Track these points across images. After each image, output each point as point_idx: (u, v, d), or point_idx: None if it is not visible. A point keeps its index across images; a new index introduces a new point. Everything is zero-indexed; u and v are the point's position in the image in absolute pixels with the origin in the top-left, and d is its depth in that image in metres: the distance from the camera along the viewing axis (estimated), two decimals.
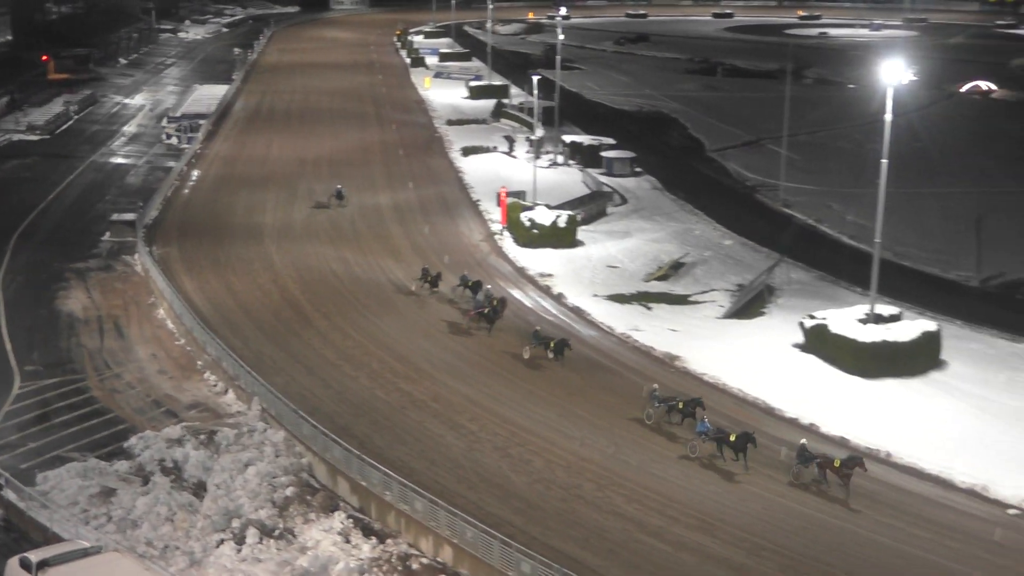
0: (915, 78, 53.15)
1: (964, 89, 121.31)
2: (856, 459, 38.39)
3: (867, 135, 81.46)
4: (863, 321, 49.35)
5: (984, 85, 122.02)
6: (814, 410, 44.35)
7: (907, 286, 57.87)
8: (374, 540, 36.51)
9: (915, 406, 45.21)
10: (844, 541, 35.49)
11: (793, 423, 43.69)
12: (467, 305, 55.30)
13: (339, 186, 76.16)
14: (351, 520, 37.64)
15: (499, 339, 51.52)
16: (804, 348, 50.36)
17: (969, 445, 41.63)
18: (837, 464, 38.05)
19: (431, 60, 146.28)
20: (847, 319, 49.76)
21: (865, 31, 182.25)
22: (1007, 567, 33.99)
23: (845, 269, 61.31)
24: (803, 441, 39.65)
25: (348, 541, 36.34)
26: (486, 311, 53.04)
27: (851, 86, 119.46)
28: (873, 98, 53.62)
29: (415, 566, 35.07)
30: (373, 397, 45.96)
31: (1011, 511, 37.14)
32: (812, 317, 50.93)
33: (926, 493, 38.15)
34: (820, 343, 49.64)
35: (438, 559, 35.55)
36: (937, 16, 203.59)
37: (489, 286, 56.08)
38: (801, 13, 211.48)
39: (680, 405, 42.74)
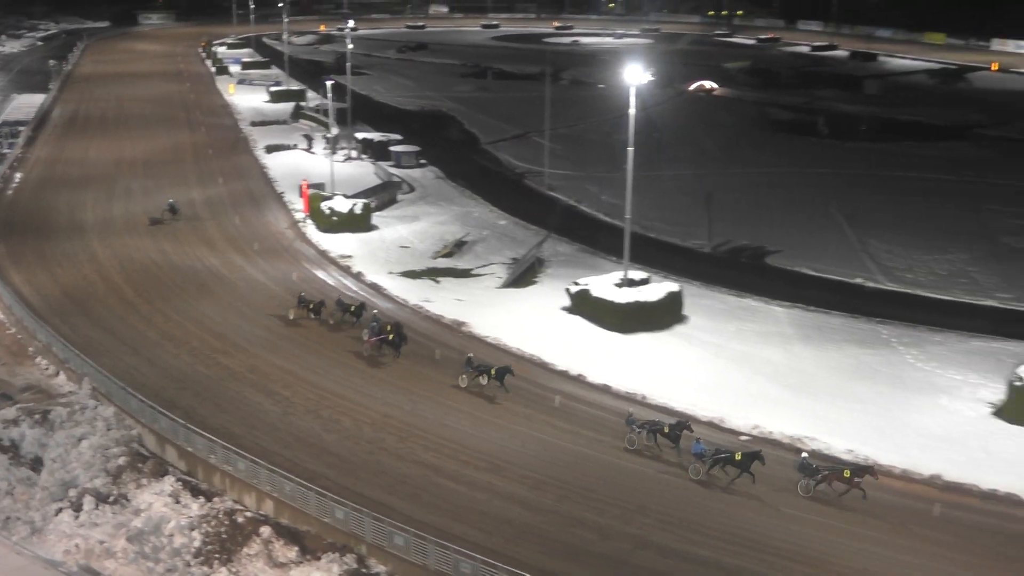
0: (652, 79, 54.53)
1: (691, 88, 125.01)
2: (865, 468, 34.80)
3: (615, 127, 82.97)
4: (618, 285, 50.40)
5: (707, 84, 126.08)
6: (581, 363, 45.13)
7: (654, 254, 59.25)
8: (202, 499, 35.50)
9: (664, 355, 46.53)
10: (611, 473, 36.32)
11: (564, 374, 44.36)
12: (355, 331, 48.06)
13: (171, 200, 69.32)
14: (180, 483, 36.51)
15: (304, 311, 50.51)
16: (570, 310, 51.15)
17: (708, 385, 43.15)
18: (847, 475, 34.49)
19: (234, 68, 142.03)
20: (605, 284, 50.78)
21: (610, 39, 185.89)
22: (739, 482, 35.42)
23: (602, 242, 62.49)
24: (804, 455, 35.69)
25: (178, 502, 35.25)
26: (390, 337, 45.55)
27: (600, 86, 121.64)
28: (619, 96, 54.62)
29: (240, 519, 34.19)
30: (195, 372, 44.54)
31: (743, 437, 38.67)
32: (576, 284, 51.77)
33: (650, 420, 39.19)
34: (584, 305, 50.51)
35: (261, 512, 34.84)
36: (668, 26, 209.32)
37: (376, 311, 49.16)
38: (556, 24, 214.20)
39: (665, 429, 37.39)
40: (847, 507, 34.04)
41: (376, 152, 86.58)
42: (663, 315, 49.73)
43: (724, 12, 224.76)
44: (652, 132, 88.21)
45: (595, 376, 44.05)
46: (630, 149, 49.63)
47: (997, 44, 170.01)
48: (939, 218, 69.67)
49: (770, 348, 47.47)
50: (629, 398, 41.71)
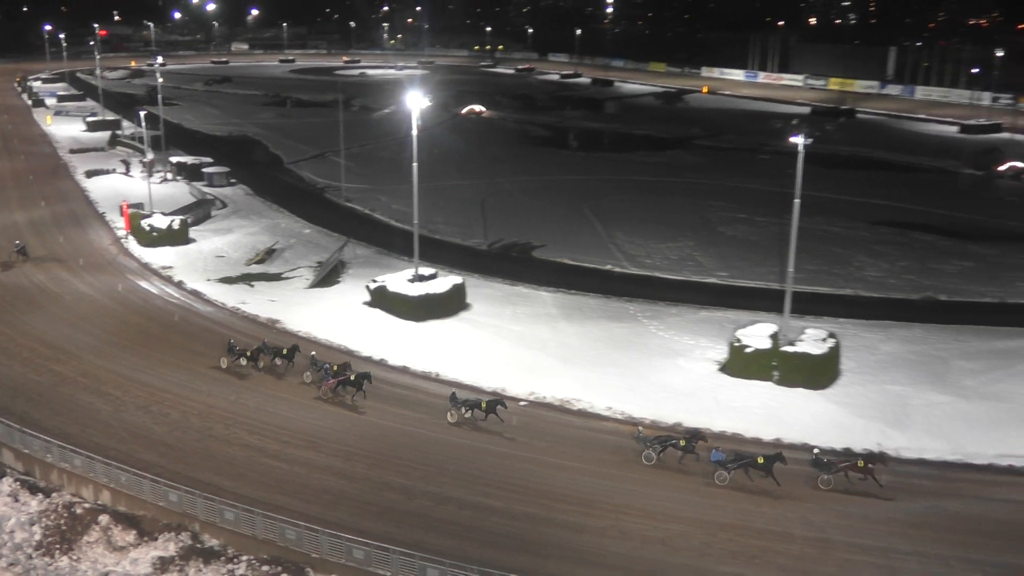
0: (431, 103, 54.32)
1: (464, 111, 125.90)
2: (877, 456, 33.44)
3: (401, 146, 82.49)
4: (411, 281, 50.12)
5: (477, 108, 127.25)
6: (383, 349, 44.67)
7: (440, 253, 59.25)
8: (40, 496, 33.12)
9: (453, 338, 46.59)
10: (413, 441, 36.09)
11: (368, 359, 43.79)
12: (305, 377, 40.91)
13: (18, 242, 59.67)
14: (18, 483, 33.89)
15: (131, 318, 47.86)
16: (371, 304, 50.50)
17: (491, 360, 43.49)
18: (861, 465, 32.87)
19: (50, 101, 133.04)
20: (399, 280, 50.40)
21: (393, 71, 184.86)
22: (523, 443, 35.91)
23: (395, 244, 62.03)
24: (816, 451, 34.03)
25: (17, 500, 32.80)
26: (351, 377, 39.09)
27: (386, 111, 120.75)
28: (402, 119, 54.32)
29: (79, 511, 32.09)
30: (28, 380, 41.33)
31: (522, 403, 39.21)
32: (375, 281, 51.18)
33: (469, 398, 39.39)
34: (382, 300, 49.99)
35: (99, 502, 32.77)
36: (441, 59, 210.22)
37: (313, 352, 42.17)
38: (345, 59, 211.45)
39: (681, 443, 34.24)
40: (613, 457, 35.02)
41: (190, 174, 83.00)
42: (450, 304, 49.80)
43: (487, 47, 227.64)
44: (433, 149, 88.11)
45: (395, 359, 43.70)
46: (415, 164, 49.47)
47: (706, 71, 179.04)
48: (669, 213, 72.61)
49: (540, 327, 48.30)
50: (426, 376, 41.60)
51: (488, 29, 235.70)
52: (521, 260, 61.47)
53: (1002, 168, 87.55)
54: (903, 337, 47.20)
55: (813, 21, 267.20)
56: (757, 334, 42.36)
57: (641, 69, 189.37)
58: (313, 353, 42.16)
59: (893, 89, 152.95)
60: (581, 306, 51.87)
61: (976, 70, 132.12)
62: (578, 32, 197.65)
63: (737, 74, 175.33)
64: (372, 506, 31.53)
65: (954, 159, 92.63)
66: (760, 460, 32.78)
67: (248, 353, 42.31)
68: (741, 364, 41.79)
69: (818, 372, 40.90)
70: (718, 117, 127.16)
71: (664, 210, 73.61)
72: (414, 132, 49.16)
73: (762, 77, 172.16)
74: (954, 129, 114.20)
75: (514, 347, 45.28)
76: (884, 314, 50.49)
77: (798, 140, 41.05)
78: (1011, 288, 55.18)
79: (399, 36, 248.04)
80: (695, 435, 34.70)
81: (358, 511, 31.14)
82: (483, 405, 37.34)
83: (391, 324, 48.25)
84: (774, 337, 41.97)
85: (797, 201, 41.59)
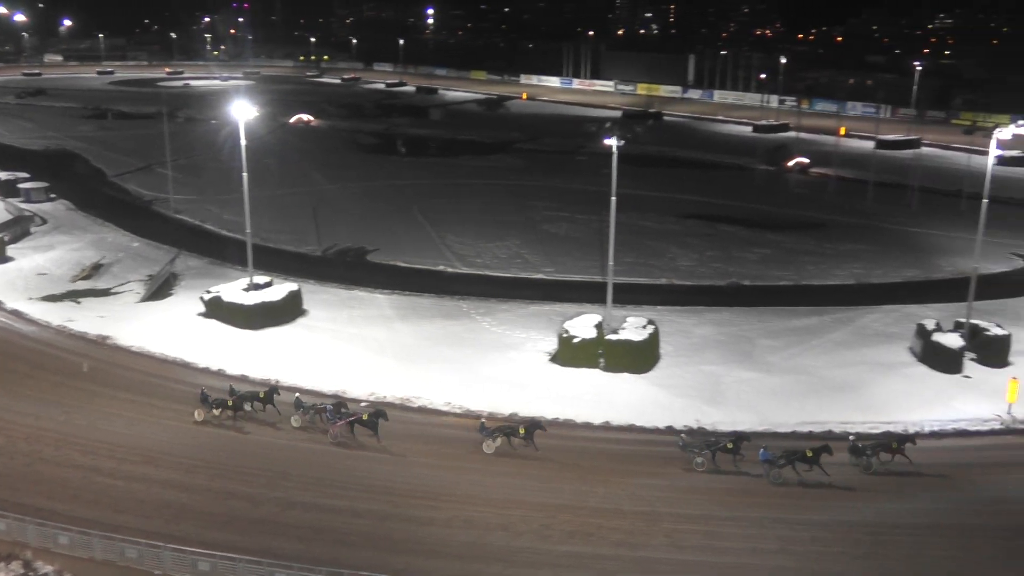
0: (258, 113, 52.71)
1: (292, 120, 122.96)
2: (908, 436, 33.75)
3: (230, 156, 79.69)
4: (246, 289, 48.56)
5: (305, 117, 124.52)
6: (220, 359, 43.02)
7: (274, 261, 57.63)
8: None
9: (291, 344, 45.43)
10: (254, 448, 34.96)
11: (206, 371, 42.10)
12: (294, 421, 36.58)
13: None
14: None
15: None
16: (206, 315, 48.52)
17: (330, 364, 42.67)
18: (894, 446, 33.00)
19: None
20: (234, 290, 48.71)
21: (217, 81, 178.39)
22: (365, 442, 35.35)
23: (229, 254, 59.77)
24: (851, 437, 34.10)
25: None
26: (364, 417, 35.21)
27: (213, 121, 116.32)
28: (230, 129, 52.47)
29: None
30: None
31: (362, 404, 38.62)
32: (209, 292, 49.22)
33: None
34: (217, 310, 48.14)
35: None
36: (267, 69, 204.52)
37: (298, 394, 37.95)
38: (168, 70, 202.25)
39: (729, 445, 33.20)
40: (455, 450, 34.97)
41: (4, 190, 77.35)
42: (287, 311, 48.49)
43: (312, 57, 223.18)
44: (263, 158, 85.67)
45: (233, 368, 42.16)
46: (244, 174, 47.87)
47: (524, 79, 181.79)
48: (496, 214, 73.26)
49: (377, 328, 47.75)
50: (265, 383, 40.30)
51: (312, 40, 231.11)
52: (356, 264, 60.58)
53: (790, 164, 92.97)
54: (713, 320, 49.37)
55: (621, 32, 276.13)
56: (583, 325, 43.31)
57: (463, 77, 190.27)
58: (298, 395, 37.98)
59: (694, 93, 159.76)
60: (416, 306, 51.62)
61: (764, 75, 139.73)
62: (401, 42, 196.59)
63: (553, 81, 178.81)
64: (216, 517, 30.27)
65: (749, 156, 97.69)
66: (808, 453, 32.21)
67: (230, 402, 36.73)
68: (570, 354, 42.61)
69: (640, 357, 42.23)
70: (537, 122, 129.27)
71: (491, 211, 74.21)
72: (242, 142, 47.58)
73: (576, 83, 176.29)
74: (748, 129, 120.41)
75: (352, 349, 44.59)
76: (696, 300, 52.69)
77: (611, 142, 42.19)
78: (803, 272, 58.67)
79: (222, 47, 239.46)
80: (740, 437, 33.45)
81: (202, 523, 29.83)
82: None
83: (228, 334, 46.52)
84: (599, 327, 43.03)
85: (613, 199, 42.78)
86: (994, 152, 44.30)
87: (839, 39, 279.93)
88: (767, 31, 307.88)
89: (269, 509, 30.78)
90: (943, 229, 68.28)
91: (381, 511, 30.69)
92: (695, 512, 30.88)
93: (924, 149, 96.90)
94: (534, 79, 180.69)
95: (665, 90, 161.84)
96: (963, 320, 43.93)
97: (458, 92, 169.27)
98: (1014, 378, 38.85)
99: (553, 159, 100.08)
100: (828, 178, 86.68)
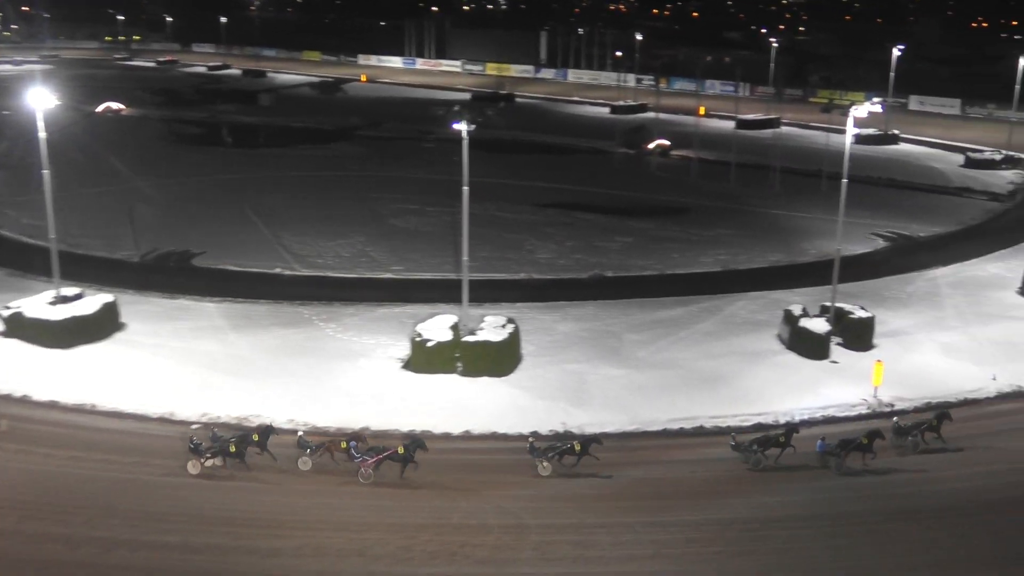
0: (59, 102, 50.23)
1: (100, 109, 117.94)
2: (944, 413, 35.62)
3: (28, 151, 75.75)
4: (52, 303, 46.26)
5: (115, 105, 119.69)
6: (24, 384, 40.81)
7: (84, 270, 55.15)
8: None
9: (108, 362, 43.58)
10: (71, 483, 33.22)
11: (7, 398, 39.87)
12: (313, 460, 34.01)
13: None
14: None
15: None
16: (6, 334, 45.91)
17: (155, 383, 41.20)
18: (935, 423, 34.95)
19: None
20: (39, 304, 46.29)
21: (9, 66, 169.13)
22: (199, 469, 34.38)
23: (31, 264, 56.58)
24: (895, 419, 35.83)
25: None
26: (400, 451, 33.15)
27: (5, 112, 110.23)
28: (26, 120, 49.74)
29: None
30: None
31: (194, 426, 37.49)
32: (8, 308, 46.57)
33: (129, 428, 37.12)
34: (19, 328, 45.59)
35: None
36: (68, 52, 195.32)
37: (301, 432, 35.36)
38: None
39: (781, 439, 33.69)
40: (302, 473, 34.37)
41: None
42: (101, 326, 46.43)
43: (121, 37, 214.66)
44: (68, 153, 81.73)
45: (41, 394, 40.08)
46: (45, 172, 45.54)
47: (363, 59, 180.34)
48: (337, 208, 72.43)
49: (207, 341, 46.41)
50: (79, 409, 38.53)
51: (120, 18, 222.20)
52: (180, 270, 58.70)
53: (651, 146, 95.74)
54: (577, 316, 50.34)
55: (467, 8, 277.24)
56: (437, 327, 43.34)
57: (295, 58, 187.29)
58: (300, 433, 35.51)
59: (547, 73, 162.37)
60: (251, 314, 50.44)
61: (620, 53, 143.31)
62: (223, 20, 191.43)
63: (395, 61, 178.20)
64: (28, 564, 28.64)
65: (608, 139, 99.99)
66: (864, 441, 33.40)
67: (232, 448, 33.54)
68: (424, 359, 42.56)
69: (500, 359, 42.60)
70: (379, 106, 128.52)
71: (332, 206, 73.31)
72: (41, 135, 45.26)
73: (420, 64, 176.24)
74: (605, 110, 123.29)
75: (180, 366, 43.19)
76: (558, 295, 53.58)
77: (461, 127, 42.36)
78: (667, 260, 60.56)
79: (13, 27, 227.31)
80: (791, 428, 34.37)
81: (12, 571, 28.25)
82: (781, 439, 33.85)
83: (32, 354, 44.17)
84: (455, 328, 43.16)
85: (466, 188, 42.98)
86: (851, 131, 46.84)
87: (695, 14, 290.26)
88: (621, 6, 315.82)
89: (89, 551, 29.40)
90: (805, 210, 71.79)
91: (220, 544, 29.81)
92: (565, 521, 31.37)
93: (783, 128, 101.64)
94: (374, 59, 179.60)
95: (516, 70, 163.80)
96: (828, 304, 46.31)
97: (290, 75, 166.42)
98: (879, 361, 41.30)
99: (398, 146, 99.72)
100: (690, 160, 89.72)
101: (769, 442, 34.33)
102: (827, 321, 45.39)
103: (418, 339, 42.91)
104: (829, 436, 34.89)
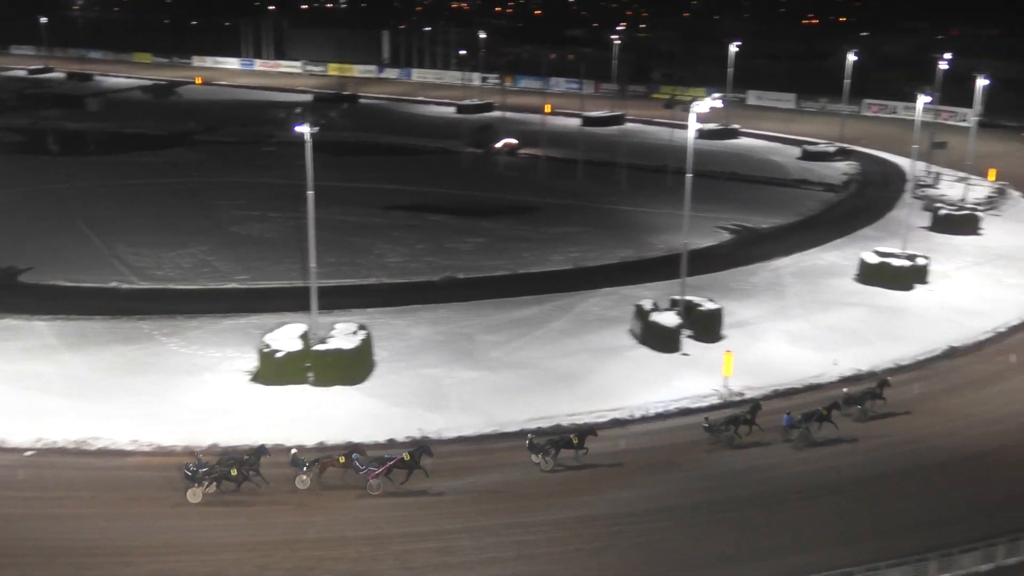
0: None
1: None
2: (884, 381, 40.01)
3: None
4: None
5: None
6: None
7: None
8: None
9: None
10: None
11: None
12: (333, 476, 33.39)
13: None
14: None
15: None
16: None
17: None
18: (878, 390, 39.44)
19: None
20: None
21: None
22: (34, 498, 32.81)
23: None
24: (844, 390, 39.99)
25: None
26: (406, 458, 33.21)
27: None
28: None
29: None
30: None
31: (28, 453, 35.82)
32: None
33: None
34: None
35: None
36: None
37: (294, 449, 34.37)
38: None
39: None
40: (146, 495, 33.23)
41: None
42: None
43: None
44: None
45: None
46: None
47: (197, 61, 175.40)
48: (176, 217, 70.18)
49: (38, 362, 44.23)
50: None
51: None
52: (4, 287, 55.73)
53: (498, 145, 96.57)
54: (430, 319, 50.36)
55: (305, 7, 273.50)
56: (286, 336, 42.63)
57: (124, 60, 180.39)
58: (294, 451, 34.33)
59: (391, 73, 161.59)
60: (86, 332, 48.36)
61: (464, 51, 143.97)
62: (43, 20, 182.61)
63: (232, 63, 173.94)
64: None
65: (454, 139, 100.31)
66: (824, 412, 37.24)
67: (234, 471, 32.60)
68: (273, 370, 41.80)
69: (353, 367, 42.23)
70: (216, 109, 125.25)
71: (170, 215, 71.02)
72: None
73: (259, 65, 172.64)
74: (451, 110, 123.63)
75: (8, 389, 41.03)
76: (410, 299, 53.47)
77: (303, 129, 41.76)
78: (519, 259, 61.23)
79: None
80: (755, 406, 37.52)
81: None
82: (574, 440, 35.47)
83: None
84: (304, 337, 42.53)
85: (311, 193, 42.39)
86: (694, 126, 48.44)
87: (537, 12, 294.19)
88: (463, 4, 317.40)
89: None
90: (652, 206, 73.81)
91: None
92: (426, 529, 31.41)
93: (628, 124, 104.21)
94: (209, 61, 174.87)
95: (359, 70, 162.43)
96: (677, 298, 47.78)
97: (119, 78, 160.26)
98: (728, 351, 42.89)
99: (238, 151, 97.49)
100: (537, 158, 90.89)
101: (738, 421, 36.96)
102: (677, 314, 46.80)
103: (266, 350, 42.09)
104: (793, 410, 38.14)
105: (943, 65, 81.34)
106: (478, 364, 44.47)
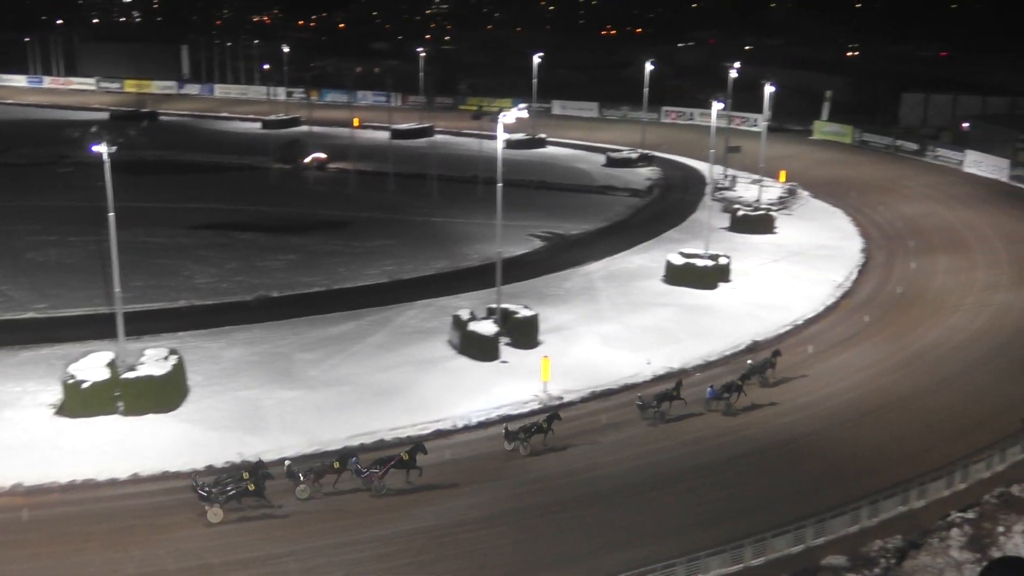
0: None
1: None
2: (777, 351, 44.79)
3: None
4: None
5: None
6: None
7: None
8: None
9: None
10: None
11: None
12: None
13: None
14: None
15: None
16: None
17: None
18: (767, 365, 44.02)
19: None
20: None
21: None
22: None
23: None
24: (748, 361, 44.33)
25: None
26: (404, 457, 34.42)
27: None
28: None
29: None
30: None
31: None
32: None
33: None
34: None
35: None
36: None
37: (288, 460, 34.88)
38: None
39: (674, 393, 40.49)
40: None
41: None
42: None
43: None
44: None
45: None
46: None
47: None
48: None
49: None
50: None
51: None
52: None
53: (307, 160, 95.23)
54: (245, 340, 49.08)
55: (97, 21, 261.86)
56: (92, 366, 40.62)
57: None
58: (288, 462, 34.58)
59: (192, 89, 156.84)
60: None
61: (267, 66, 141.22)
62: None
63: (19, 80, 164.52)
64: None
65: (262, 155, 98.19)
66: (739, 383, 41.37)
67: (250, 485, 32.46)
68: (80, 402, 39.72)
69: (165, 393, 40.68)
70: (5, 129, 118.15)
71: None
72: None
73: (48, 82, 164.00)
74: (257, 125, 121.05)
75: None
76: (222, 320, 51.94)
77: (101, 148, 39.98)
78: (334, 275, 60.52)
79: None
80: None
81: None
82: (543, 425, 37.71)
83: None
84: (112, 365, 40.65)
85: (111, 215, 40.60)
86: (502, 136, 49.20)
87: (342, 25, 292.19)
88: (266, 18, 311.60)
89: None
90: (465, 216, 74.43)
91: None
92: (251, 555, 30.61)
93: (437, 136, 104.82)
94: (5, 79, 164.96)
95: (158, 86, 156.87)
96: (494, 306, 48.36)
97: None
98: (545, 356, 43.75)
99: (31, 173, 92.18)
100: (347, 172, 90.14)
101: (665, 397, 40.31)
102: (494, 323, 47.37)
103: (71, 381, 39.95)
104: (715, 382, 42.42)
105: (734, 73, 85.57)
106: (296, 383, 43.67)
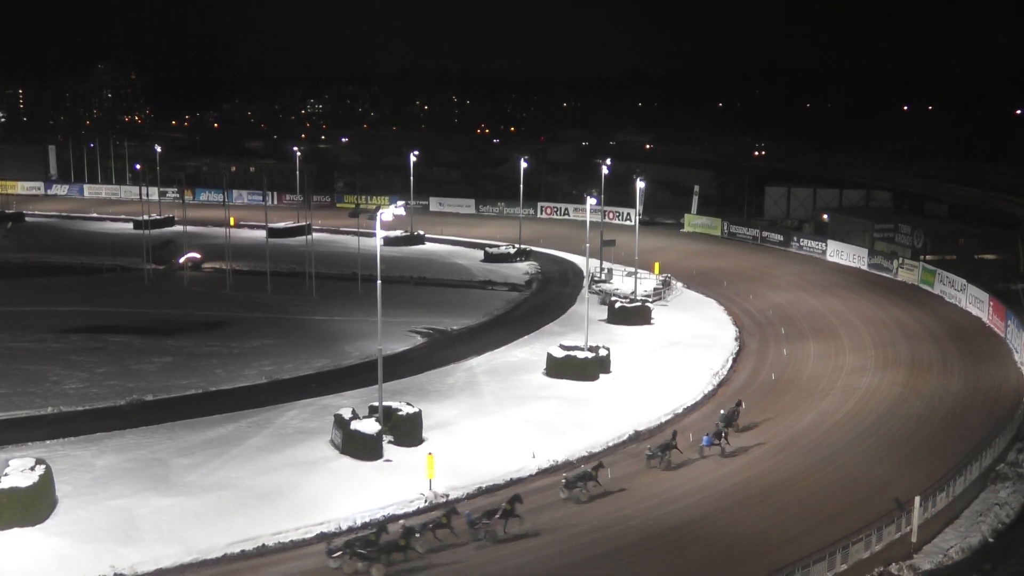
0: None
1: None
2: (739, 402, 50.37)
3: None
4: None
5: None
6: None
7: None
8: None
9: None
10: None
11: None
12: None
13: None
14: None
15: None
16: None
17: None
18: (730, 418, 48.48)
19: None
20: None
21: None
22: None
23: None
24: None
25: None
26: (507, 507, 38.09)
27: None
28: None
29: None
30: None
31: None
32: None
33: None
34: None
35: None
36: None
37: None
38: None
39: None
40: None
41: None
42: None
43: None
44: None
45: None
46: None
47: None
48: None
49: None
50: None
51: None
52: None
53: (181, 260, 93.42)
54: (117, 447, 47.16)
55: None
56: None
57: None
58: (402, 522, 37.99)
59: (60, 189, 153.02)
60: None
61: (140, 166, 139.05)
62: None
63: None
64: None
65: (134, 256, 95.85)
66: (724, 430, 46.75)
67: (402, 542, 35.88)
68: None
69: (31, 506, 38.57)
70: None
71: None
72: None
73: None
74: (129, 226, 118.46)
75: None
76: (93, 427, 49.88)
77: None
78: (211, 376, 59.00)
79: None
80: (674, 436, 45.80)
81: None
82: (594, 472, 42.08)
83: None
84: None
85: None
86: (380, 233, 49.31)
87: (216, 125, 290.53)
88: (137, 117, 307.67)
89: None
90: (345, 314, 73.90)
91: None
92: None
93: (315, 234, 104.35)
94: None
95: (24, 186, 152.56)
96: (376, 404, 47.82)
97: None
98: (430, 453, 43.30)
99: None
100: (223, 272, 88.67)
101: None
102: (376, 421, 46.76)
103: None
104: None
105: (605, 170, 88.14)
106: (173, 490, 42.03)
